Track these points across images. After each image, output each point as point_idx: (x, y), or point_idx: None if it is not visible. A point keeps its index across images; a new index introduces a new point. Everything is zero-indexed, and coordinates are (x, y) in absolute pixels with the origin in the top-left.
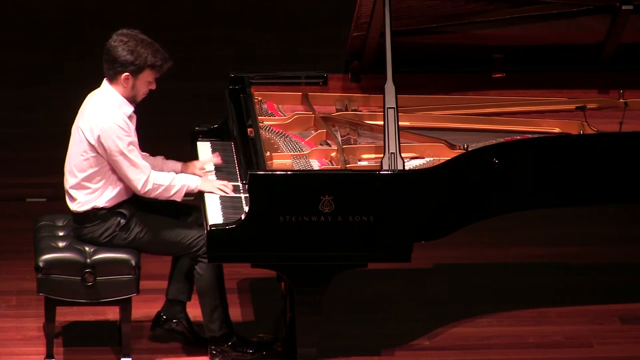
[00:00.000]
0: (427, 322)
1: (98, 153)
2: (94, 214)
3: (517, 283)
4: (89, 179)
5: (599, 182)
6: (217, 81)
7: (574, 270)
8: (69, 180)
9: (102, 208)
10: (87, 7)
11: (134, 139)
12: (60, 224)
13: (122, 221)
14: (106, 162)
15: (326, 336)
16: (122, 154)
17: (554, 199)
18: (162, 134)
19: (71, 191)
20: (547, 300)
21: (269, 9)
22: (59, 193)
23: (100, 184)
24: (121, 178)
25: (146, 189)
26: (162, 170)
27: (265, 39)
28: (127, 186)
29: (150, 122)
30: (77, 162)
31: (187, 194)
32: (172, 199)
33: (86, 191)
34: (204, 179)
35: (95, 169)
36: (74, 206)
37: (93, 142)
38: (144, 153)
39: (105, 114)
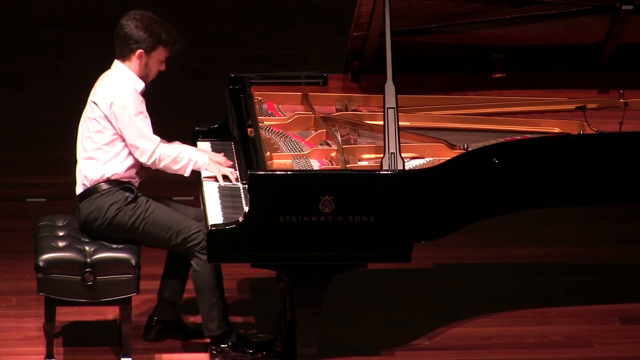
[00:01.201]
0: (427, 322)
1: (110, 122)
2: (101, 187)
3: (517, 283)
4: (100, 150)
5: (599, 182)
6: (217, 81)
7: (574, 270)
8: (80, 155)
9: (109, 179)
10: (85, 6)
11: (145, 111)
12: (60, 224)
13: (130, 196)
14: (116, 134)
15: (326, 336)
16: (133, 120)
17: (554, 199)
18: (162, 134)
19: (83, 165)
20: (547, 300)
21: (268, 9)
22: (59, 193)
23: (110, 155)
24: (130, 151)
25: (153, 159)
26: None
27: (265, 39)
28: (135, 162)
29: (150, 122)
30: (87, 135)
31: (192, 174)
32: (178, 172)
33: (98, 162)
34: (212, 161)
35: (106, 139)
36: (85, 174)
37: (106, 110)
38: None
39: (118, 84)
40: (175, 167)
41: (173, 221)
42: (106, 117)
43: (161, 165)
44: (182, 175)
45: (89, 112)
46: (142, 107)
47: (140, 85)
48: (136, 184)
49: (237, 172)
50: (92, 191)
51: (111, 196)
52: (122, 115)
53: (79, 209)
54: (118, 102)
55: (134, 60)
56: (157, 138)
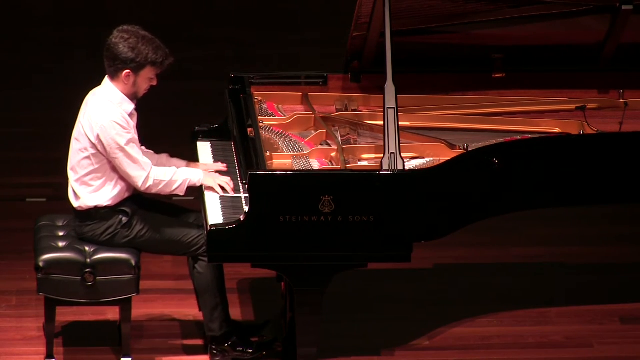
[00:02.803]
0: (427, 322)
1: (98, 150)
2: (96, 212)
3: (517, 283)
4: (90, 176)
5: (599, 183)
6: (217, 81)
7: (574, 270)
8: (71, 177)
9: (105, 207)
10: (86, 6)
11: (134, 136)
12: (60, 224)
13: (124, 219)
14: (106, 159)
15: (326, 336)
16: (122, 150)
17: (554, 199)
18: (163, 134)
19: (75, 187)
20: (547, 300)
21: (269, 9)
22: (59, 193)
23: (101, 181)
24: (122, 176)
25: (147, 185)
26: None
27: (265, 39)
28: (128, 184)
29: (150, 122)
30: (78, 160)
31: (189, 188)
32: (174, 193)
33: (89, 189)
34: (207, 174)
35: (96, 166)
36: (77, 203)
37: (93, 139)
38: (149, 151)
39: (105, 112)
40: (171, 189)
41: (171, 233)
42: (94, 145)
43: (156, 190)
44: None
45: (76, 132)
46: (131, 133)
47: (130, 107)
48: (130, 198)
49: (233, 182)
50: (85, 215)
51: (105, 222)
52: (111, 146)
53: (75, 221)
54: (106, 134)
55: (122, 80)
56: (149, 162)
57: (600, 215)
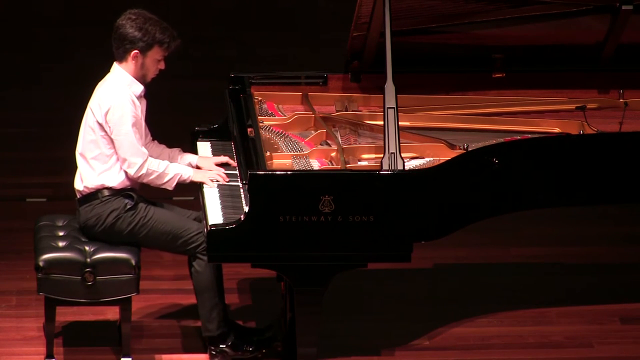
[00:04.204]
0: (427, 322)
1: (105, 132)
2: (102, 193)
3: (517, 283)
4: (97, 160)
5: (599, 183)
6: (217, 81)
7: (574, 270)
8: (80, 162)
9: (111, 188)
10: (86, 6)
11: (140, 121)
12: (60, 224)
13: (129, 203)
14: (111, 142)
15: (326, 336)
16: (125, 133)
17: (554, 199)
18: (162, 134)
19: (83, 171)
20: (547, 300)
21: (269, 9)
22: (59, 193)
23: (108, 165)
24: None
25: (140, 173)
26: (177, 161)
27: (265, 39)
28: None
29: (150, 121)
30: (86, 143)
31: (180, 185)
32: (163, 187)
33: (96, 172)
34: (196, 171)
35: (103, 149)
36: (83, 184)
37: (101, 119)
38: (161, 145)
39: (114, 92)
40: (160, 182)
41: (172, 225)
42: (101, 125)
43: (147, 180)
44: (167, 190)
45: (87, 118)
46: (137, 117)
47: (139, 88)
48: (137, 188)
49: (228, 177)
50: (91, 197)
51: (110, 203)
52: (116, 126)
53: (79, 211)
54: (114, 113)
55: (130, 61)
56: (146, 152)
57: (600, 215)
